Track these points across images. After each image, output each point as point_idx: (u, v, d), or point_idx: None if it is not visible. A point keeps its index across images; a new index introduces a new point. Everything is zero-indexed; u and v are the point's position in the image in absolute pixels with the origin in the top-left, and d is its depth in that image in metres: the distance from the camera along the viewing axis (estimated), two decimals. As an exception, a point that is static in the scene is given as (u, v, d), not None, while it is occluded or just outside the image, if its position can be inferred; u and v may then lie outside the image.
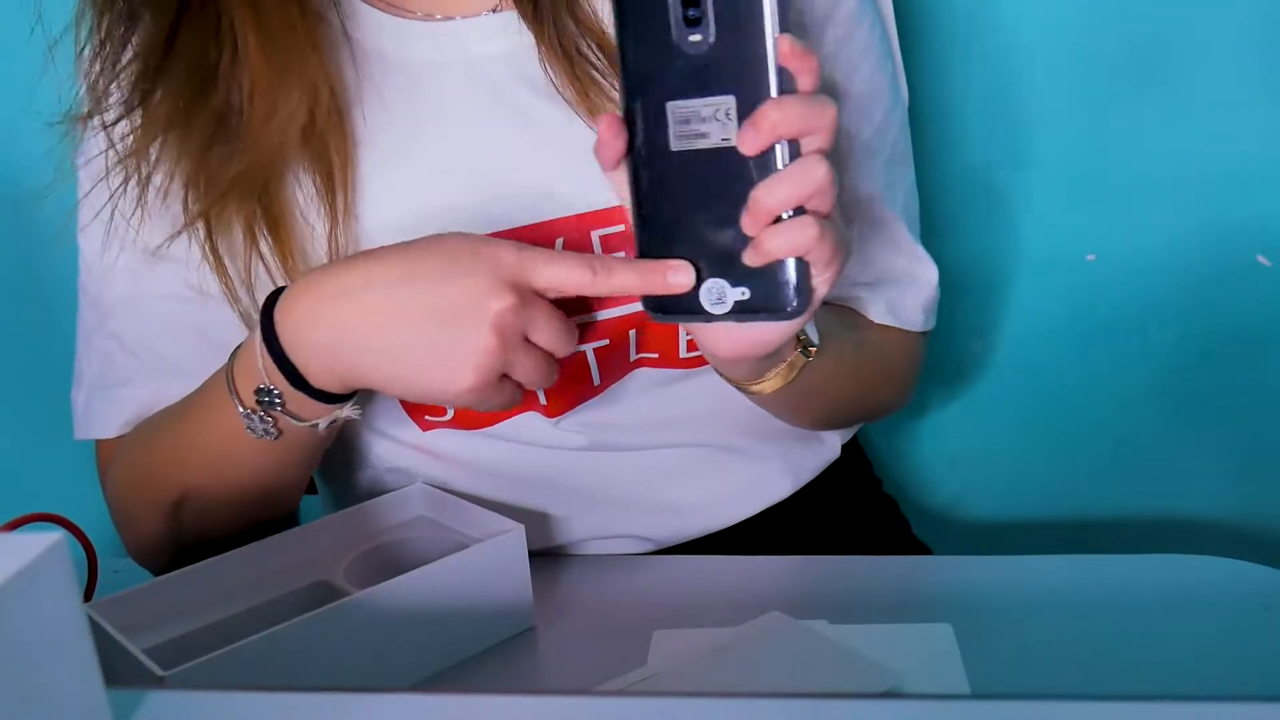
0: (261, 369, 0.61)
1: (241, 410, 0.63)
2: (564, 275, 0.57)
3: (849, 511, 0.86)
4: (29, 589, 0.38)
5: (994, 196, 1.00)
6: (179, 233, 0.68)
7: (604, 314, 0.71)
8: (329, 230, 0.68)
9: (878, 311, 0.79)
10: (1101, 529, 1.08)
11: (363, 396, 0.65)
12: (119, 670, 0.56)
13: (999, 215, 1.01)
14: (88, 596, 0.67)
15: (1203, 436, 1.04)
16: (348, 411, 0.64)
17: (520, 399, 0.61)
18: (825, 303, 0.76)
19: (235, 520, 0.71)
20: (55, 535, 0.40)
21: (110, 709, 0.42)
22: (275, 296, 0.61)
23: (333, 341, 0.59)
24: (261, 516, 0.72)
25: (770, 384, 0.65)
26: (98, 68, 0.68)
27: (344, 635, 0.59)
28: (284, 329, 0.60)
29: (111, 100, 0.68)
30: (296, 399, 0.62)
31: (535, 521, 0.76)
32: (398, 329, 0.58)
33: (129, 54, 0.68)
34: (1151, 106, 0.96)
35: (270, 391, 0.62)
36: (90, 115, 0.69)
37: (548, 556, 0.77)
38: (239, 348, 0.64)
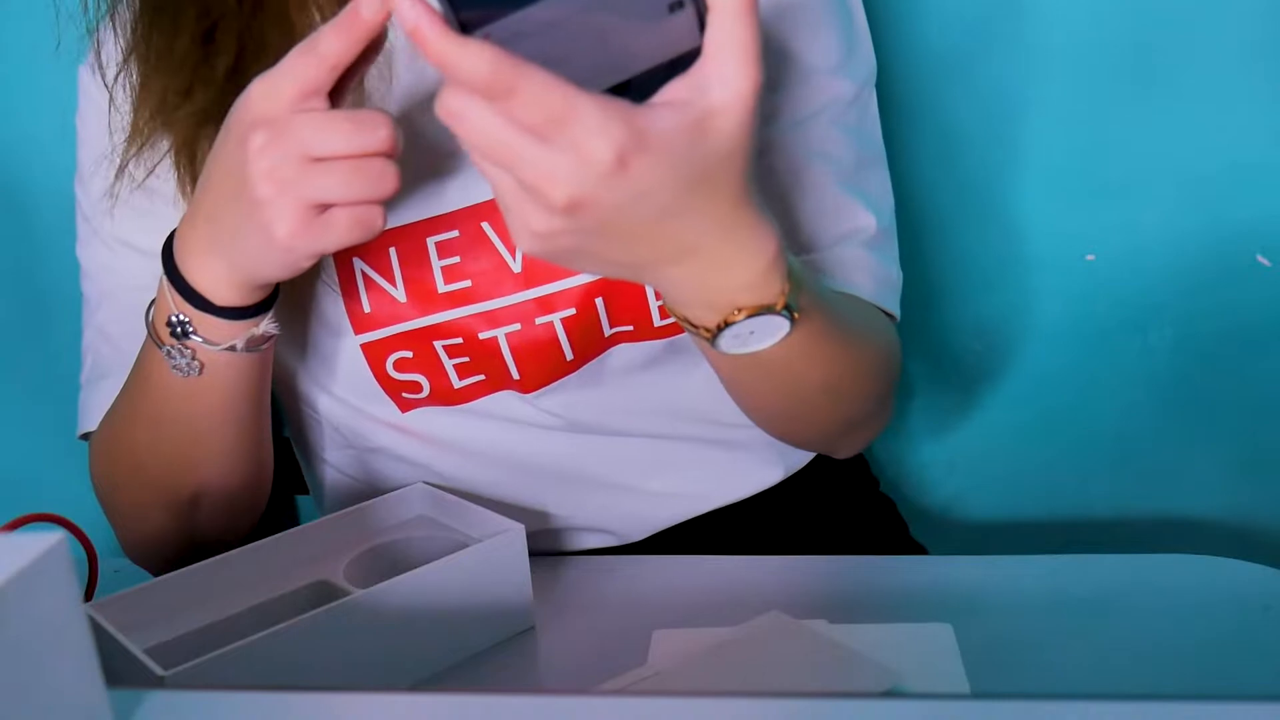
0: (170, 301, 0.62)
1: (162, 349, 0.64)
2: (289, 78, 0.54)
3: (844, 509, 0.86)
4: (29, 589, 0.38)
5: (994, 196, 1.00)
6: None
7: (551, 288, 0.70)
8: None
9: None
10: (1101, 529, 1.08)
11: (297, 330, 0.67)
12: (119, 670, 0.56)
13: (999, 215, 1.01)
14: (88, 596, 0.67)
15: (1203, 436, 1.04)
16: (264, 327, 0.64)
17: (379, 219, 0.56)
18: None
19: (220, 507, 0.72)
20: (55, 535, 0.40)
21: (110, 709, 0.42)
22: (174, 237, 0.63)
23: (205, 251, 0.61)
24: (233, 501, 0.72)
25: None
26: (125, 58, 0.70)
27: (344, 635, 0.59)
28: (181, 258, 0.62)
29: (112, 57, 0.70)
30: (204, 321, 0.62)
31: (521, 505, 0.77)
32: (220, 214, 0.59)
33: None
34: (1151, 106, 0.96)
35: (180, 320, 0.62)
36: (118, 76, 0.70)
37: (548, 556, 0.77)
38: (155, 296, 0.66)
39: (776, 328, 0.56)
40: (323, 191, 0.55)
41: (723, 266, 0.53)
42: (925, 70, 0.96)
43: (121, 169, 0.71)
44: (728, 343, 0.56)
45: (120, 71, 0.70)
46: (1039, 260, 1.01)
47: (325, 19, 0.69)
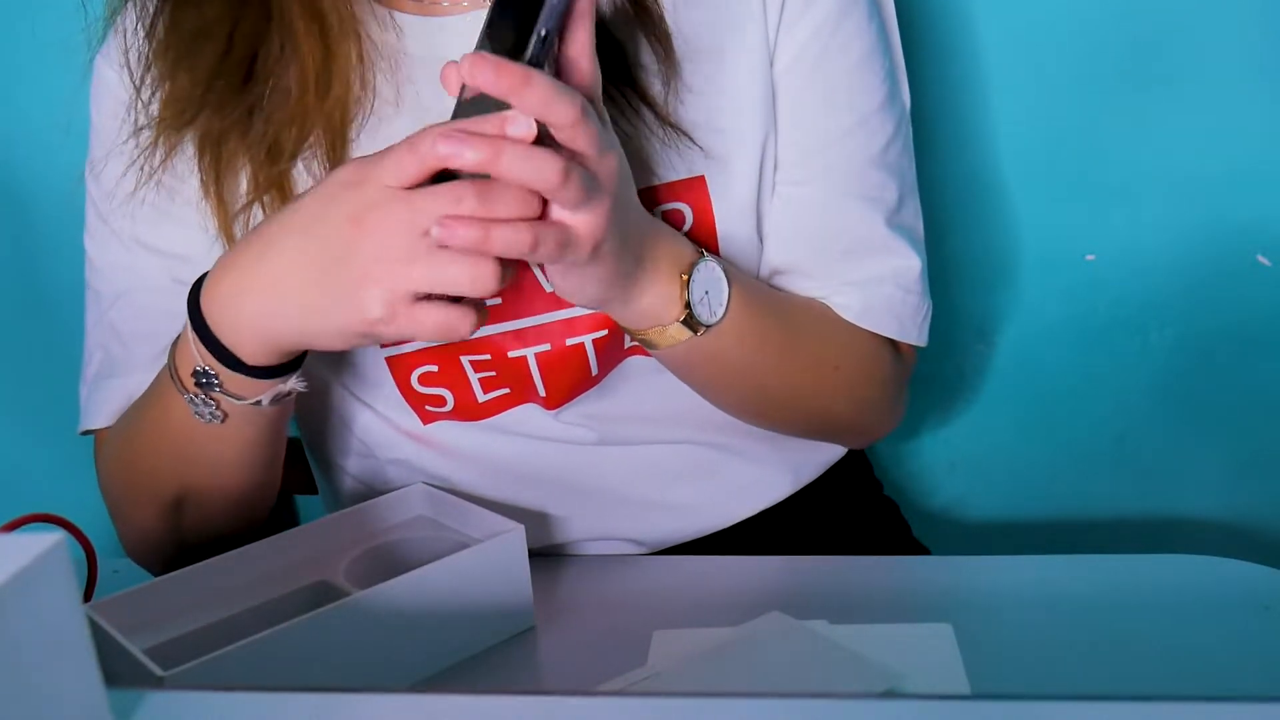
0: (195, 353, 0.61)
1: (185, 395, 0.63)
2: (399, 165, 0.53)
3: (849, 513, 0.86)
4: (29, 589, 0.38)
5: (994, 196, 1.00)
6: (252, 201, 0.68)
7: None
8: None
9: (851, 310, 0.75)
10: (1101, 529, 1.08)
11: (328, 372, 0.67)
12: (119, 670, 0.56)
13: (999, 215, 1.01)
14: (88, 596, 0.67)
15: (1203, 436, 1.04)
16: (292, 384, 0.63)
17: (478, 315, 0.55)
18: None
19: (229, 515, 0.71)
20: (55, 535, 0.40)
21: (110, 709, 0.42)
22: (200, 282, 0.61)
23: (251, 311, 0.58)
24: (245, 511, 0.72)
25: (658, 343, 0.65)
26: (150, 50, 0.68)
27: (344, 635, 0.59)
28: (209, 310, 0.60)
29: (147, 79, 0.69)
30: (233, 378, 0.61)
31: (535, 518, 0.76)
32: (292, 282, 0.56)
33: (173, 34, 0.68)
34: (1151, 106, 0.96)
35: (206, 373, 0.61)
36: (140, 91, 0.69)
37: (548, 556, 0.77)
38: (178, 336, 0.63)
39: (717, 278, 0.65)
40: (435, 278, 0.52)
41: (651, 243, 0.62)
42: (924, 71, 0.96)
43: (143, 167, 0.69)
44: (700, 311, 0.64)
45: (145, 66, 0.68)
46: (1039, 260, 1.01)
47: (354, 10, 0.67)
